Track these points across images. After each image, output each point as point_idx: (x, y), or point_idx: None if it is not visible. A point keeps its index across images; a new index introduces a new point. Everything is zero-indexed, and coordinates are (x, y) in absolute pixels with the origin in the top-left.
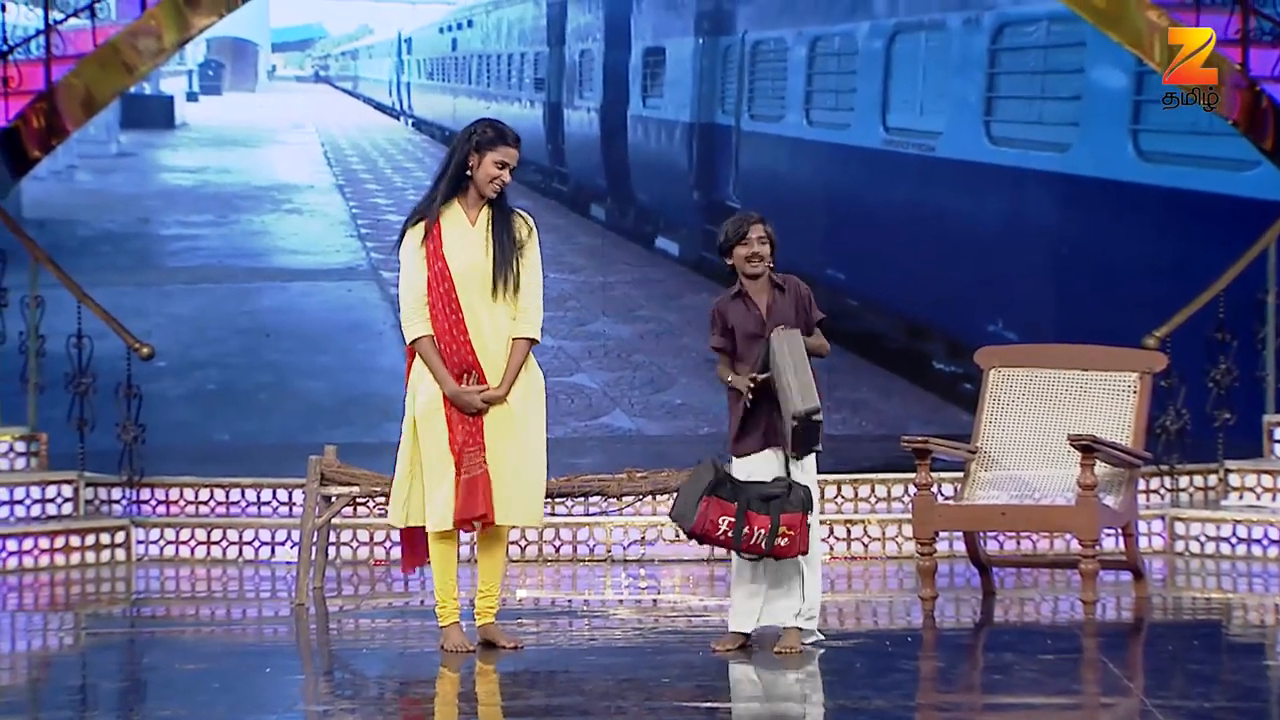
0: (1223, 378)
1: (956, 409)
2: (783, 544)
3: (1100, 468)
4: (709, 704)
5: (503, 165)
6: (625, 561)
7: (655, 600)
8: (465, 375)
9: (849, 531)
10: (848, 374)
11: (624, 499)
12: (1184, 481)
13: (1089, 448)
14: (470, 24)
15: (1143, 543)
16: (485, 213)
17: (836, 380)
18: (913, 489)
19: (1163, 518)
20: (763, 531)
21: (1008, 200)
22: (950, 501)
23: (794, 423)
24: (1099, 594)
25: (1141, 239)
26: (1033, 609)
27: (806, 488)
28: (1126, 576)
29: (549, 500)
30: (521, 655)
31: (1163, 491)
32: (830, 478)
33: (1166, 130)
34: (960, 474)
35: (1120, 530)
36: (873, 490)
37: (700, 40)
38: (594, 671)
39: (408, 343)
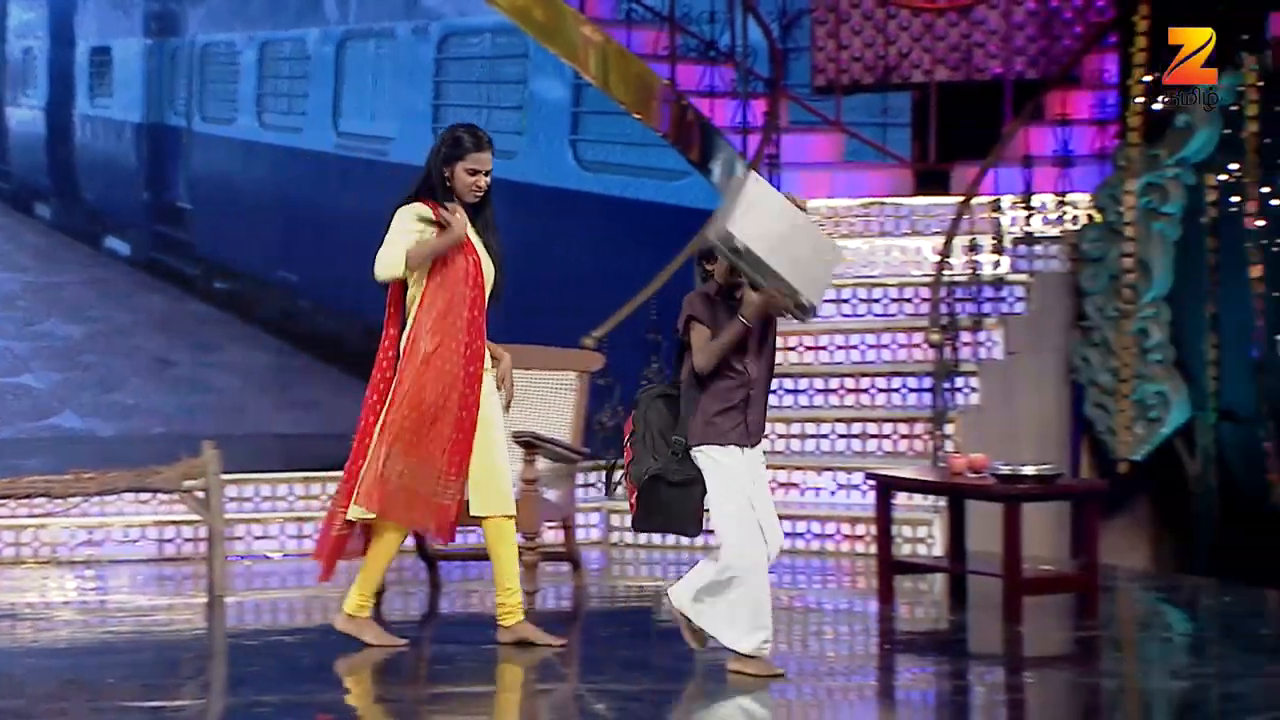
0: (655, 376)
1: None
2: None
3: (541, 463)
4: (154, 703)
5: (475, 172)
6: (71, 563)
7: (103, 601)
8: (473, 379)
9: (300, 529)
10: (302, 374)
11: (70, 500)
12: (619, 475)
13: (531, 444)
14: None
15: (580, 534)
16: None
17: (291, 380)
18: None
19: (600, 510)
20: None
21: None
22: None
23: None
24: (539, 584)
25: (581, 243)
26: (477, 600)
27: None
28: (566, 567)
29: None
30: None
31: (600, 485)
32: (281, 476)
33: (604, 140)
34: None
35: (560, 522)
36: (324, 488)
37: (149, 41)
38: (36, 674)
39: (403, 266)
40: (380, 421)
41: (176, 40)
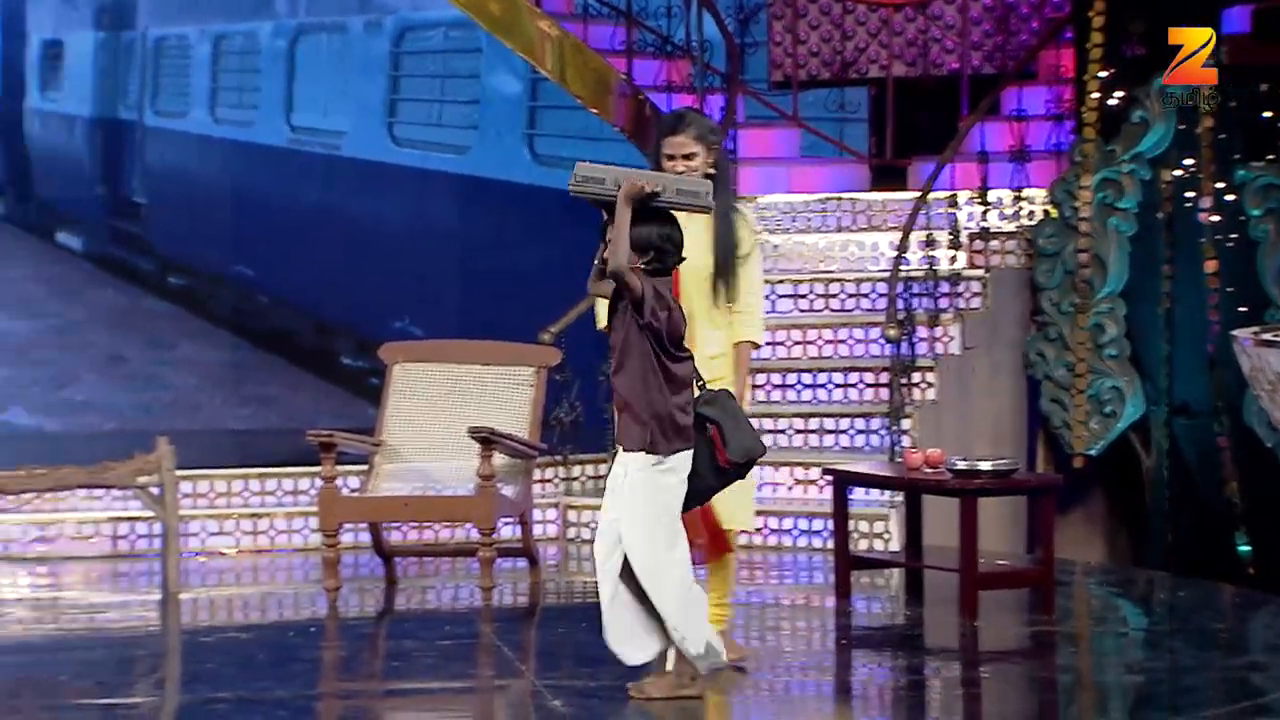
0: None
1: (365, 403)
2: None
3: (498, 459)
4: (108, 700)
5: (672, 157)
6: (25, 559)
7: (56, 598)
8: None
9: (255, 525)
10: (258, 370)
11: (23, 496)
12: (577, 471)
13: (488, 440)
14: None
15: (538, 530)
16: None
17: (247, 376)
18: (319, 482)
19: (557, 506)
20: None
21: (412, 200)
22: (355, 494)
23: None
24: (496, 580)
25: (538, 238)
26: (434, 596)
27: None
28: (523, 563)
29: None
30: None
31: (557, 480)
32: (236, 472)
33: (559, 135)
34: (366, 467)
35: (517, 519)
36: (280, 484)
37: (101, 34)
38: None
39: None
40: None
41: (129, 33)
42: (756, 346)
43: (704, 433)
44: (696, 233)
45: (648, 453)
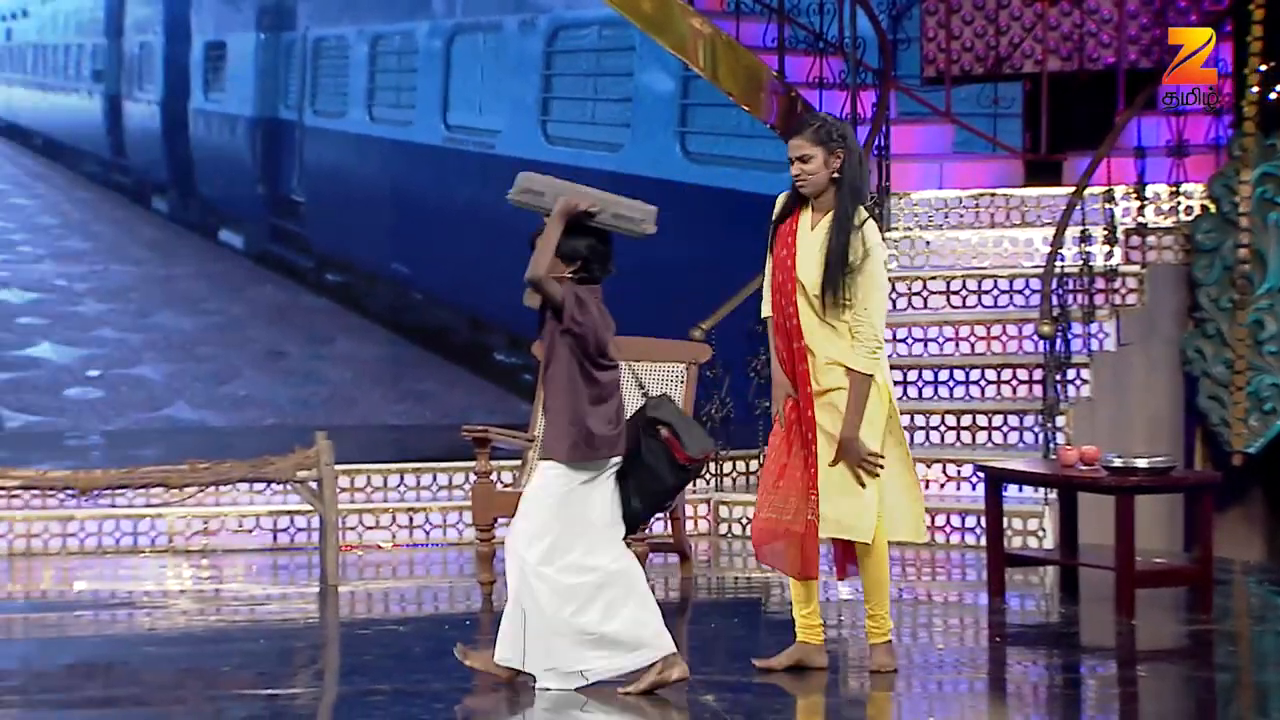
0: (763, 368)
1: (517, 399)
2: None
3: None
4: (269, 691)
5: (791, 160)
6: (188, 552)
7: (217, 590)
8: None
9: (411, 519)
10: (414, 366)
11: (186, 490)
12: (727, 467)
13: None
14: (25, 14)
15: (689, 526)
16: (827, 220)
17: (402, 372)
18: (473, 477)
19: (708, 502)
20: None
21: None
22: (509, 489)
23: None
24: (648, 576)
25: (689, 235)
26: None
27: None
28: (674, 558)
29: (112, 491)
30: (85, 647)
31: (708, 476)
32: (393, 466)
33: (711, 132)
34: (519, 462)
35: (668, 514)
36: (435, 479)
37: (262, 35)
38: (153, 662)
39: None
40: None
41: (289, 35)
42: (867, 378)
43: (657, 436)
44: (815, 241)
45: (564, 459)
